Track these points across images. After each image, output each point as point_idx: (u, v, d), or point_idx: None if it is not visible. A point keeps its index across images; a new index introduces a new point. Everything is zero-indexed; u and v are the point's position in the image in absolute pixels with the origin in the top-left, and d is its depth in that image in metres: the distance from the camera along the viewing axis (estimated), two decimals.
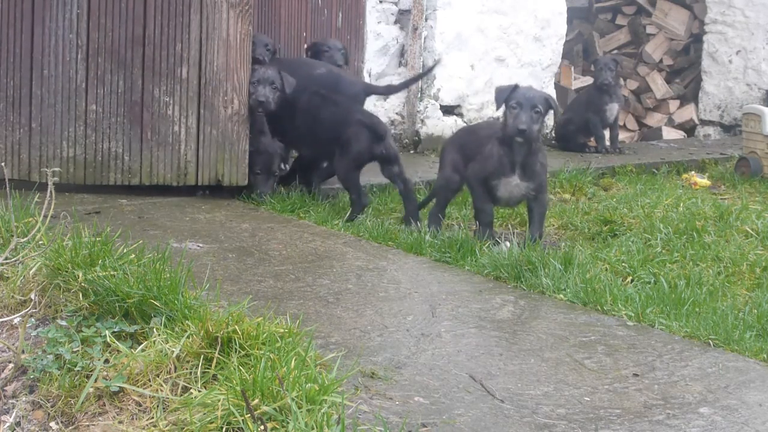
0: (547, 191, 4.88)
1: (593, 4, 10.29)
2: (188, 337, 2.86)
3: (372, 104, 6.76)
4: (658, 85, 9.70)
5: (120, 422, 2.75)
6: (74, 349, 3.00)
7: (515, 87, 4.70)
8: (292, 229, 4.63)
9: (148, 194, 5.17)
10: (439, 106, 7.46)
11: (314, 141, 5.43)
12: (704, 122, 9.37)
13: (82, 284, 3.18)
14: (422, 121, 7.38)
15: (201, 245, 4.19)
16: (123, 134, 5.13)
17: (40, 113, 5.08)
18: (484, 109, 7.43)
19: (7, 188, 3.93)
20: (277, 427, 2.45)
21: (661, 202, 5.70)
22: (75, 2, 5.04)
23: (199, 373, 2.77)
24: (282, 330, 2.89)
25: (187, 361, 2.82)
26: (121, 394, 2.82)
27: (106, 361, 2.94)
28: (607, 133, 7.92)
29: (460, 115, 7.54)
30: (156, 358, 2.85)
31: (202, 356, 2.80)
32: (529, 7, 7.75)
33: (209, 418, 2.51)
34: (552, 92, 8.08)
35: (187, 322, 2.95)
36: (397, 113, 7.33)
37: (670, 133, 9.33)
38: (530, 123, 4.55)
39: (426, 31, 7.31)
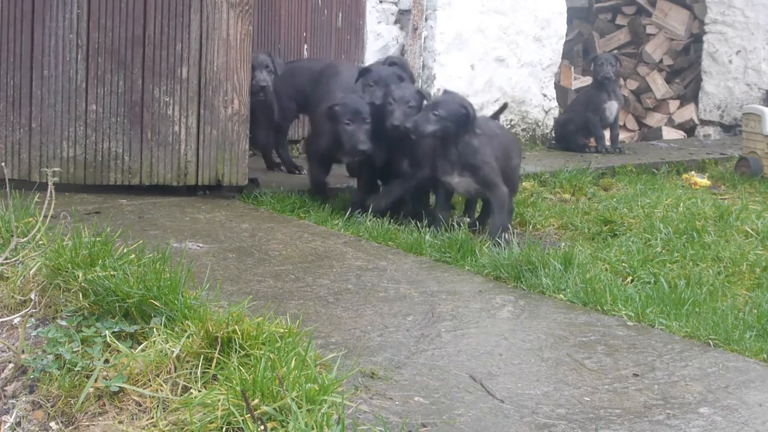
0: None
1: (593, 4, 10.29)
2: (188, 337, 2.86)
3: None
4: (658, 85, 9.70)
5: (120, 422, 2.75)
6: (74, 349, 3.00)
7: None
8: (292, 229, 4.63)
9: (148, 194, 5.17)
10: None
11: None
12: (704, 122, 9.38)
13: (82, 284, 3.18)
14: None
15: (201, 245, 4.19)
16: (123, 134, 5.13)
17: (40, 113, 5.08)
18: (483, 108, 7.41)
19: (7, 188, 3.93)
20: (277, 427, 2.45)
21: (661, 202, 5.70)
22: (75, 2, 5.03)
23: (199, 373, 2.77)
24: (282, 330, 2.89)
25: (187, 361, 2.82)
26: (121, 394, 2.82)
27: (106, 361, 2.94)
28: (607, 133, 7.92)
29: None
30: (156, 358, 2.85)
31: (202, 356, 2.80)
32: (529, 7, 7.75)
33: (209, 418, 2.51)
34: (552, 92, 8.09)
35: (187, 322, 2.95)
36: None
37: (670, 133, 9.33)
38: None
39: (426, 31, 7.31)
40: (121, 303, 3.10)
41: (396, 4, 7.30)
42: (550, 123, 8.05)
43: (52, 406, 2.94)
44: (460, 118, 4.92)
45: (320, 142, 5.40)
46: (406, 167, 5.20)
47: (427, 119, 4.90)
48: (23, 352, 3.07)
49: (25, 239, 3.40)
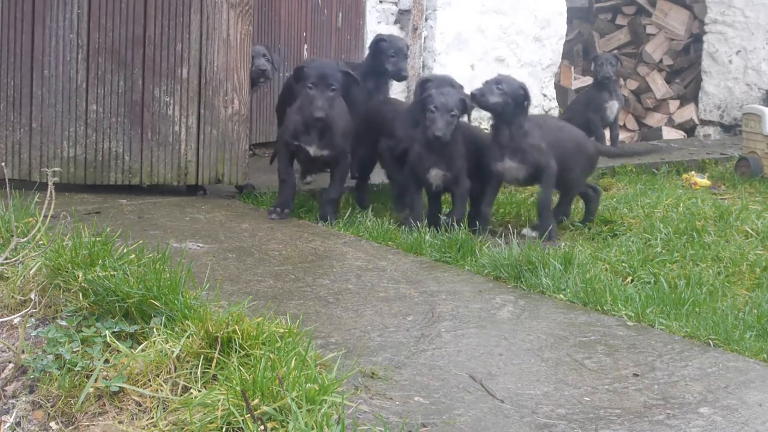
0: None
1: (593, 4, 10.29)
2: (188, 337, 2.86)
3: None
4: (658, 85, 9.70)
5: (120, 422, 2.75)
6: (74, 349, 3.01)
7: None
8: (292, 229, 4.63)
9: (148, 194, 5.17)
10: None
11: None
12: (704, 122, 9.37)
13: (82, 284, 3.18)
14: None
15: (201, 245, 4.19)
16: (123, 134, 5.14)
17: (40, 113, 5.08)
18: None
19: (8, 188, 3.93)
20: (277, 427, 2.46)
21: (661, 202, 5.70)
22: (75, 2, 5.04)
23: (199, 373, 2.77)
24: (282, 330, 2.89)
25: (187, 361, 2.82)
26: (121, 394, 2.82)
27: (106, 361, 2.94)
28: (607, 133, 7.91)
29: None
30: (156, 358, 2.85)
31: (202, 356, 2.80)
32: (529, 7, 7.75)
33: (209, 418, 2.52)
34: (552, 92, 8.09)
35: (187, 322, 2.95)
36: None
37: (670, 133, 9.32)
38: None
39: (426, 31, 7.31)
40: (121, 303, 3.11)
41: (396, 4, 7.30)
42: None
43: (52, 406, 2.94)
44: (519, 99, 4.96)
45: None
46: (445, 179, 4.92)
47: (491, 91, 4.91)
48: (23, 352, 3.07)
49: (25, 239, 3.40)
